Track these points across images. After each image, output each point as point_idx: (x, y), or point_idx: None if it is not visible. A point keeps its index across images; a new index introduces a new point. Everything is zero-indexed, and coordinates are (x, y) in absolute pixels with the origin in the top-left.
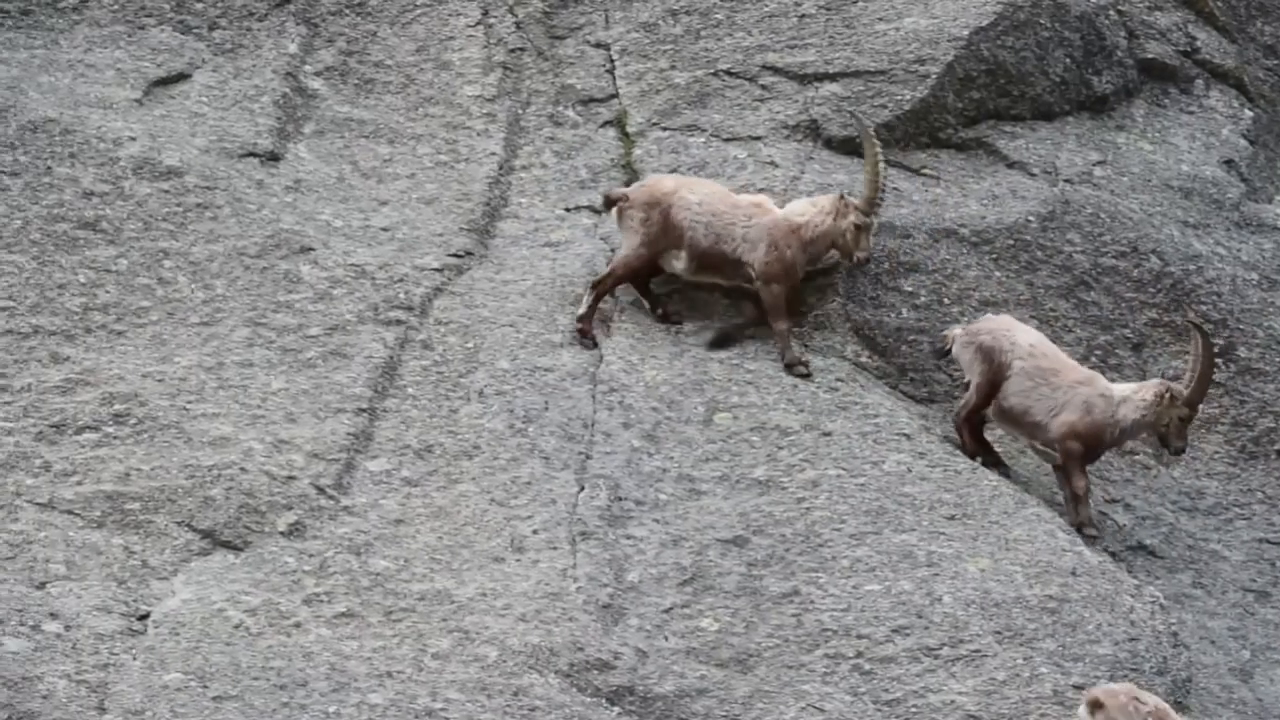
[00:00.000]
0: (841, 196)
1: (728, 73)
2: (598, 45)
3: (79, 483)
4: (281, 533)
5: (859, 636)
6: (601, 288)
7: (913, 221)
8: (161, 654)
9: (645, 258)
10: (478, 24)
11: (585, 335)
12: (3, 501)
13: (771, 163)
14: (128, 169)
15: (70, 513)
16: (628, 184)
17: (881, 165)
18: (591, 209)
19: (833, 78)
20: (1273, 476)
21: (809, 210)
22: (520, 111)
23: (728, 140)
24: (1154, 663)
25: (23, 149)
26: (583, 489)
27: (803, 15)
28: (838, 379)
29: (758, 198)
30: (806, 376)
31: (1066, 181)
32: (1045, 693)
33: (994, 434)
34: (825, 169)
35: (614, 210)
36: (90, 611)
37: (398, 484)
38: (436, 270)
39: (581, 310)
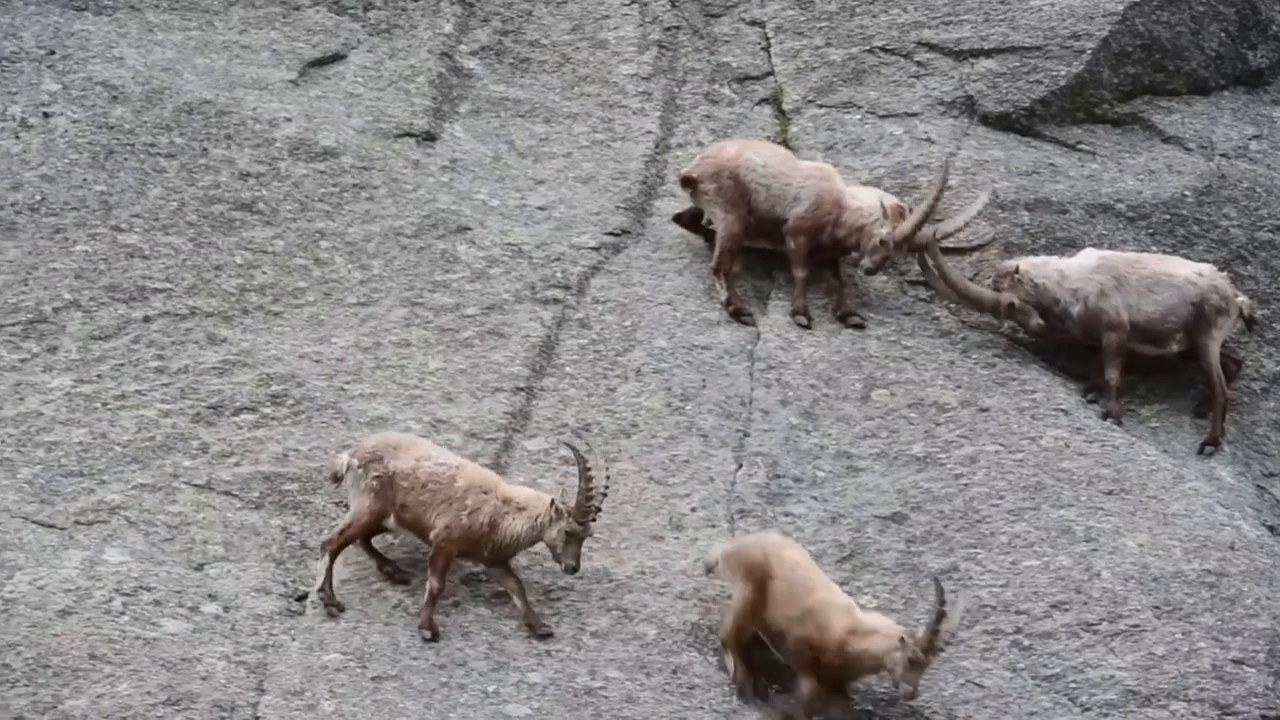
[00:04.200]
0: (900, 208)
1: (883, 49)
2: (753, 23)
3: (237, 464)
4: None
5: (1017, 612)
6: (720, 268)
7: (1069, 197)
8: (320, 634)
9: (741, 222)
10: (633, 2)
11: (740, 314)
12: (161, 483)
13: (928, 139)
14: (284, 150)
15: (228, 494)
16: None
17: None
18: None
19: (988, 54)
20: None
21: (867, 202)
22: (676, 89)
23: (884, 117)
24: None
25: (179, 131)
26: (741, 466)
27: None
28: (995, 354)
29: (823, 166)
30: (806, 327)
31: (1222, 156)
32: (1204, 667)
33: None
34: (981, 145)
35: (690, 192)
36: (249, 592)
37: (555, 463)
38: (593, 249)
39: (722, 297)
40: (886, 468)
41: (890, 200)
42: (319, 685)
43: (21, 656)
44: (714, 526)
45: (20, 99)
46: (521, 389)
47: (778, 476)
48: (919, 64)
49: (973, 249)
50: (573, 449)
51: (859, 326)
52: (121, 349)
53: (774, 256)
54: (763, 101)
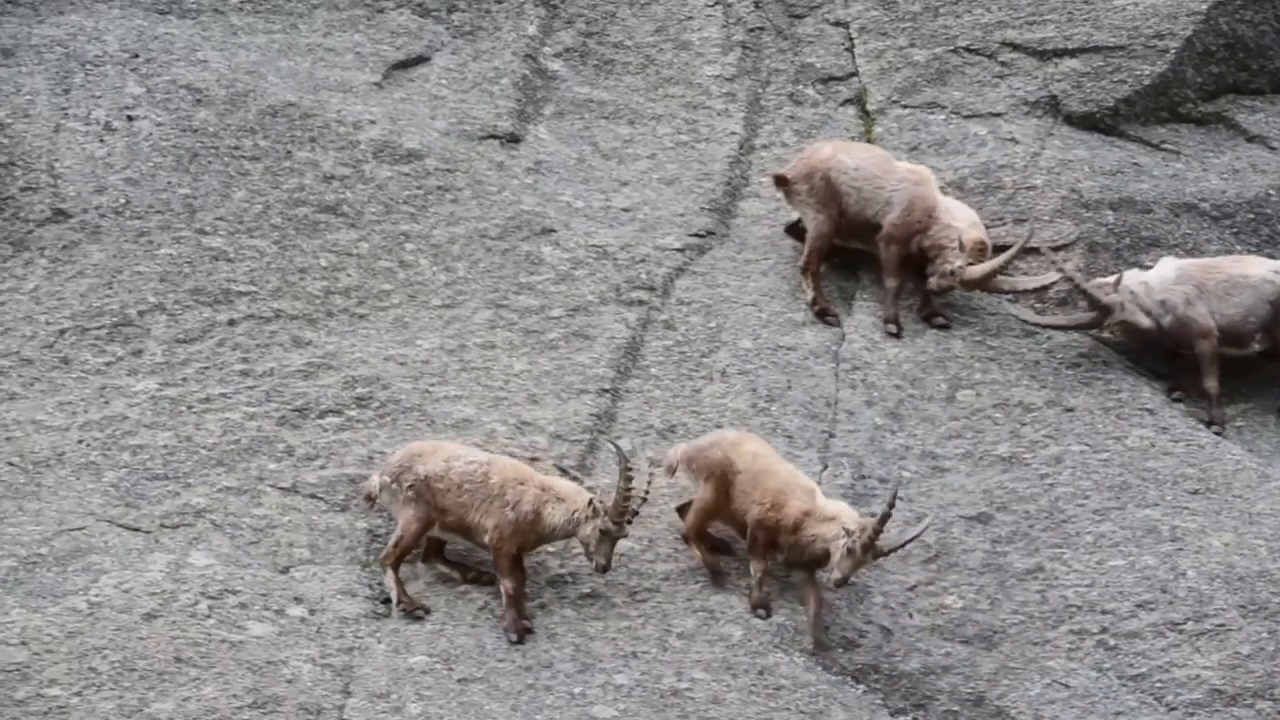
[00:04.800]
0: (981, 245)
1: (967, 49)
2: (837, 23)
3: (322, 467)
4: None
5: (1103, 612)
6: (808, 268)
7: (1153, 196)
8: (406, 637)
9: (831, 223)
10: (716, 3)
11: (825, 314)
12: (246, 486)
13: (1012, 139)
14: (368, 152)
15: (314, 497)
16: None
17: None
18: None
19: (1072, 53)
20: None
21: (956, 223)
22: (760, 90)
23: (968, 117)
24: None
25: (263, 133)
26: (826, 467)
27: None
28: (1079, 354)
29: (919, 170)
30: (896, 336)
31: None
32: None
33: None
34: (1066, 145)
35: (783, 192)
36: (334, 595)
37: (641, 464)
38: (678, 250)
39: (808, 296)
40: (972, 468)
41: (975, 235)
42: (405, 688)
43: (107, 660)
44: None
45: (104, 102)
46: (606, 391)
47: (863, 477)
48: (1003, 64)
49: (1056, 249)
50: (616, 448)
51: (944, 327)
52: (206, 352)
53: (861, 257)
54: (847, 102)
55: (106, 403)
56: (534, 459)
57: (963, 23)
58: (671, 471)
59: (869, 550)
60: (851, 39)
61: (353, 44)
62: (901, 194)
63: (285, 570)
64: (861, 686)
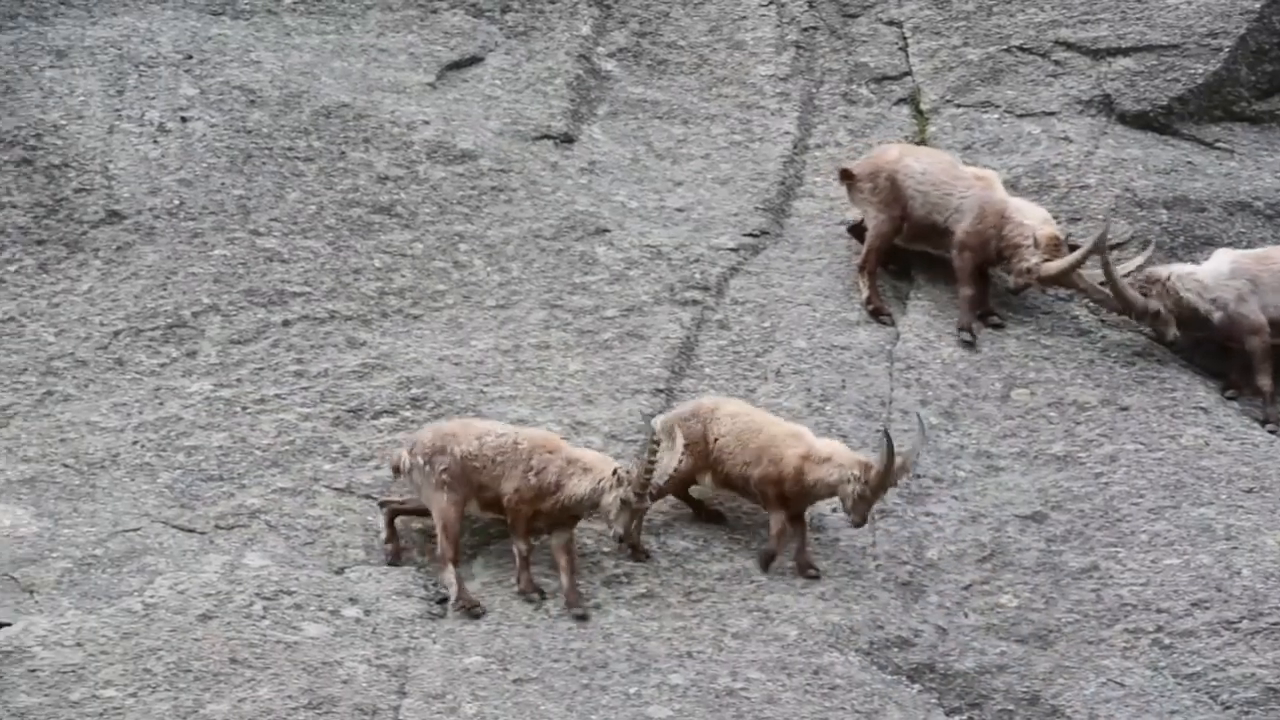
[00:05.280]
0: (1056, 240)
1: (1020, 48)
2: (890, 23)
3: (377, 467)
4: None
5: (1158, 611)
6: (865, 266)
7: (1207, 195)
8: (461, 637)
9: (892, 224)
10: (770, 3)
11: (879, 313)
12: (301, 487)
13: (1066, 138)
14: (422, 153)
15: (368, 497)
16: None
17: None
18: None
19: (1125, 52)
20: None
21: (1029, 221)
22: (814, 90)
23: (1021, 116)
24: None
25: (317, 134)
26: None
27: None
28: (1134, 353)
29: (985, 174)
30: (970, 345)
31: None
32: None
33: None
34: (1119, 144)
35: (846, 187)
36: (390, 595)
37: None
38: (732, 250)
39: (863, 295)
40: (1027, 467)
41: (1048, 231)
42: (460, 688)
43: (163, 661)
44: (855, 527)
45: (158, 103)
46: (661, 390)
47: (918, 476)
48: (1056, 63)
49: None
50: (649, 424)
51: (998, 326)
52: (261, 353)
53: (916, 257)
54: (900, 101)
55: (161, 404)
56: None
57: (1016, 22)
58: (656, 443)
59: (881, 489)
60: (905, 38)
61: (406, 44)
62: (971, 200)
63: (340, 571)
64: (916, 686)
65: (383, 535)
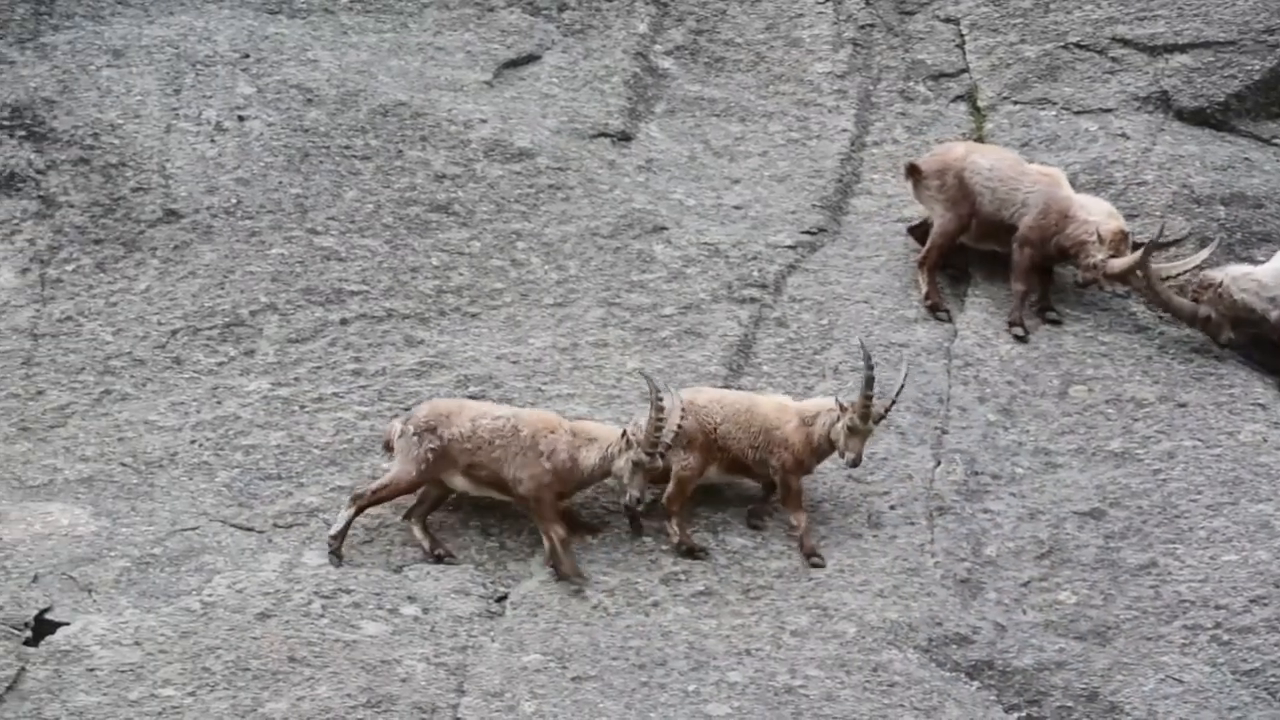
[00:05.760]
0: (1122, 234)
1: (1078, 45)
2: (947, 20)
3: None
4: (640, 511)
5: (1216, 607)
6: (926, 263)
7: (1264, 191)
8: (520, 635)
9: (958, 222)
10: (827, 0)
11: (937, 309)
12: (359, 486)
13: (1123, 135)
14: (479, 151)
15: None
16: None
17: None
18: None
19: (1182, 49)
20: None
21: (1093, 217)
22: (871, 87)
23: (1078, 113)
24: None
25: (374, 133)
26: (939, 464)
27: None
28: (1192, 350)
29: (1051, 171)
30: (1023, 340)
31: None
32: None
33: None
34: (1177, 140)
35: (912, 183)
36: (448, 594)
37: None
38: (790, 247)
39: (923, 290)
40: (1085, 464)
41: (1113, 225)
42: (519, 686)
43: (221, 660)
44: (912, 524)
45: (215, 102)
46: (719, 388)
47: (976, 473)
48: (1113, 60)
49: (1169, 244)
50: (647, 379)
51: (1055, 322)
52: (318, 351)
53: (973, 255)
54: (958, 98)
55: (219, 403)
56: None
57: (1073, 19)
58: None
59: (867, 419)
60: (962, 35)
61: (463, 43)
62: (1037, 196)
63: (399, 569)
64: (975, 683)
65: (424, 545)
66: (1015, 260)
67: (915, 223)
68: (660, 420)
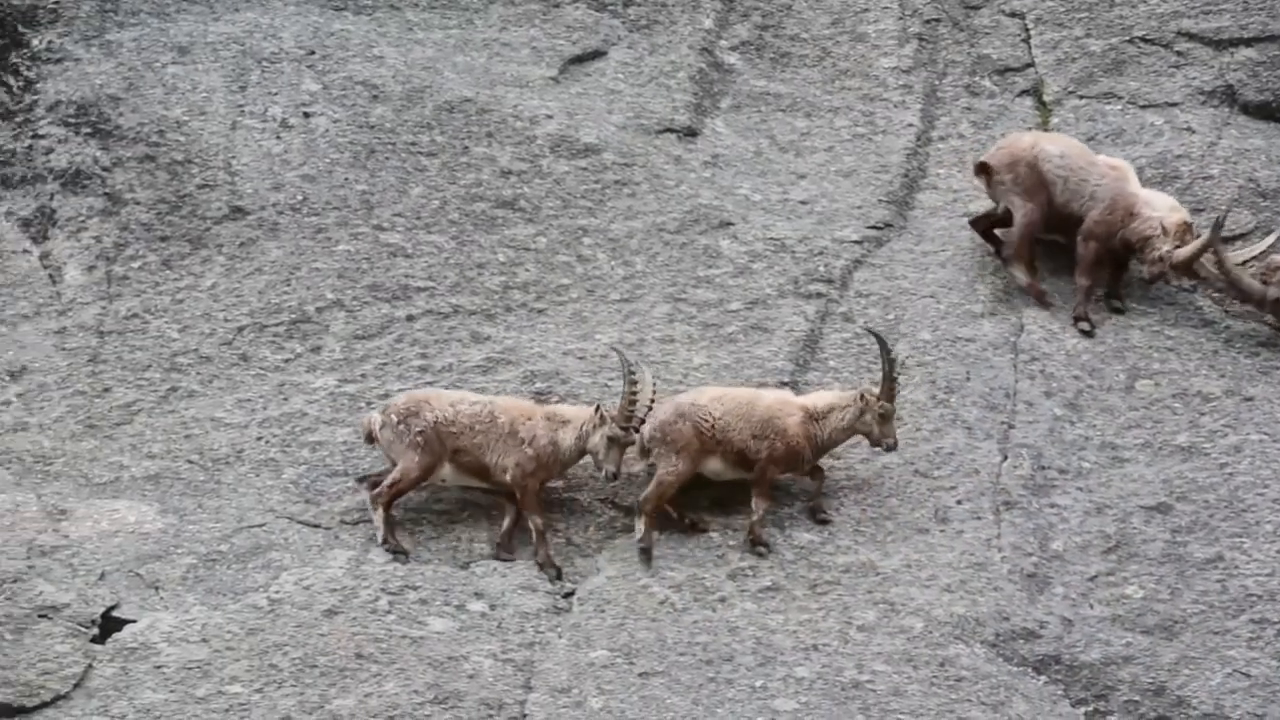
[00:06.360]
0: (1187, 225)
1: (1143, 39)
2: (1013, 14)
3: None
4: (703, 507)
5: None
6: (1018, 255)
7: None
8: (587, 631)
9: (1039, 210)
10: None
11: (1043, 297)
12: (426, 482)
13: (1188, 129)
14: (545, 147)
15: (493, 492)
16: None
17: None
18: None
19: (1248, 42)
20: None
21: (1158, 212)
22: (936, 82)
23: (1144, 107)
24: None
25: (439, 129)
26: (1006, 458)
27: None
28: (1259, 344)
29: (1118, 164)
30: (1088, 335)
31: None
32: None
33: None
34: (1242, 134)
35: (984, 182)
36: (515, 590)
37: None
38: (856, 243)
39: (1023, 283)
40: (1151, 458)
41: (1176, 218)
42: (586, 682)
43: (288, 656)
44: (979, 518)
45: (281, 99)
46: (785, 383)
47: (1043, 468)
48: (1179, 54)
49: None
50: (619, 354)
51: (1119, 311)
52: (385, 348)
53: (1041, 248)
54: (1023, 93)
55: (285, 399)
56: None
57: (1138, 13)
58: (646, 454)
59: (893, 399)
60: (1027, 30)
61: (528, 39)
62: (1105, 190)
63: (465, 566)
64: (1042, 677)
65: (380, 533)
66: (1080, 254)
67: (978, 215)
68: (634, 394)
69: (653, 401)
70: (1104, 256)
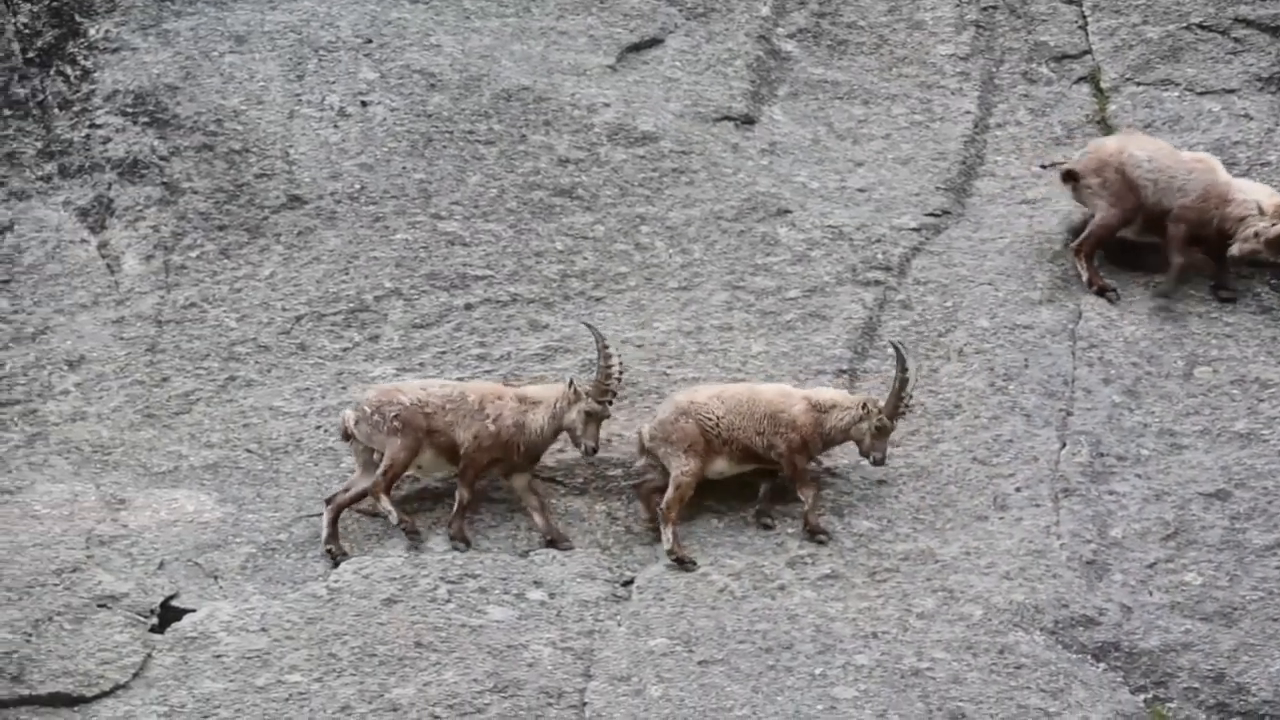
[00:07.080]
0: None
1: (1200, 26)
2: (1070, 1)
3: (560, 450)
4: (761, 495)
5: None
6: (1082, 249)
7: None
8: (646, 619)
9: (1122, 215)
10: None
11: (1105, 289)
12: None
13: (1246, 115)
14: (603, 135)
15: (552, 480)
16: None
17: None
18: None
19: None
20: None
21: (1253, 196)
22: (994, 69)
23: (1201, 94)
24: None
25: (497, 117)
26: (1064, 445)
27: None
28: None
29: (1205, 158)
30: (1229, 300)
31: None
32: None
33: None
34: None
35: (1070, 188)
36: (574, 578)
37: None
38: (914, 230)
39: (1084, 276)
40: (1210, 445)
41: (1275, 200)
42: (645, 670)
43: (348, 646)
44: (1038, 506)
45: (338, 88)
46: (844, 371)
47: (1101, 455)
48: (1236, 40)
49: None
50: (590, 328)
51: (1229, 300)
52: (443, 336)
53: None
54: (1081, 80)
55: (344, 388)
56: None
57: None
58: (644, 452)
59: (895, 418)
60: (1085, 16)
61: (586, 27)
62: (1195, 182)
63: (524, 554)
64: (1102, 665)
65: (323, 534)
66: (1170, 234)
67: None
68: (609, 369)
69: (623, 372)
70: (1194, 239)
